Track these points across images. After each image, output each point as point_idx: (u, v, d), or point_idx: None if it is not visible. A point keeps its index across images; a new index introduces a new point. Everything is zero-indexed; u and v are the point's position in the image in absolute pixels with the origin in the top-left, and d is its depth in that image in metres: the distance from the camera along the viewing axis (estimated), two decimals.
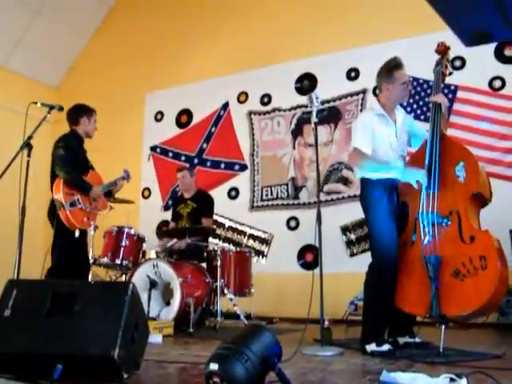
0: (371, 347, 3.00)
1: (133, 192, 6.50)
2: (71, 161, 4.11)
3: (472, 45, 0.98)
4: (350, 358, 2.96)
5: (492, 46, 5.25)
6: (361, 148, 3.19)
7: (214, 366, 1.75)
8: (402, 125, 3.38)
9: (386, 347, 2.99)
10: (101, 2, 8.18)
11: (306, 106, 3.43)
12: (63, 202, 3.97)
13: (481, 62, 5.26)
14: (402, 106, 5.50)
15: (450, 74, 3.51)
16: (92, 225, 4.19)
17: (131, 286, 2.26)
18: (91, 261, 4.50)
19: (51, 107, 3.65)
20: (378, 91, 3.44)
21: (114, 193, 4.69)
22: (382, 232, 3.17)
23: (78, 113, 4.37)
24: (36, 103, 3.50)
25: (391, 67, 3.32)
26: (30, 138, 3.41)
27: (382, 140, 3.26)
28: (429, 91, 5.43)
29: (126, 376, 2.11)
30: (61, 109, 3.75)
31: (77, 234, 4.03)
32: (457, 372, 2.08)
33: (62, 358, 2.02)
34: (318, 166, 3.41)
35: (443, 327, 2.91)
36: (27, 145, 3.38)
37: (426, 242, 3.04)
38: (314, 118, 3.40)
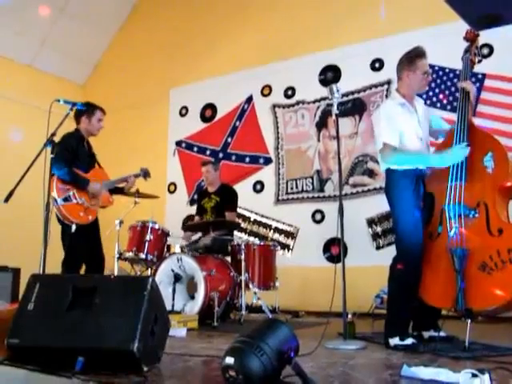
0: (394, 341, 2.96)
1: (158, 187, 6.58)
2: (66, 158, 4.13)
3: (481, 28, 0.94)
4: (373, 352, 2.91)
5: None
6: (389, 142, 3.13)
7: (229, 360, 1.75)
8: (423, 114, 3.32)
9: (409, 341, 2.94)
10: None
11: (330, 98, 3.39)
12: (56, 197, 4.04)
13: (509, 49, 5.10)
14: (428, 95, 5.49)
15: (480, 61, 3.40)
16: (90, 219, 4.24)
17: (150, 280, 2.27)
18: (116, 255, 4.57)
19: (74, 104, 3.70)
20: (397, 80, 3.35)
21: (126, 189, 4.74)
22: (408, 224, 3.10)
23: (79, 112, 4.38)
24: (59, 101, 3.55)
25: (414, 55, 3.25)
26: (53, 135, 3.46)
27: (409, 129, 3.19)
28: (455, 80, 5.30)
29: (146, 369, 2.13)
30: (83, 106, 3.81)
31: (73, 228, 4.07)
32: (481, 367, 2.03)
33: (82, 351, 2.06)
34: (339, 158, 3.37)
35: (469, 321, 2.84)
36: (50, 142, 3.44)
37: (452, 234, 2.97)
38: (334, 110, 3.35)
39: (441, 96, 5.53)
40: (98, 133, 4.54)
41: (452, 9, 0.86)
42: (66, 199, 4.08)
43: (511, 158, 3.09)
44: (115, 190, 4.70)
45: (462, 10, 0.84)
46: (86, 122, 4.42)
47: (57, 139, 3.59)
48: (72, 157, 4.24)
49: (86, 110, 4.38)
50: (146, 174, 4.81)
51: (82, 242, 4.22)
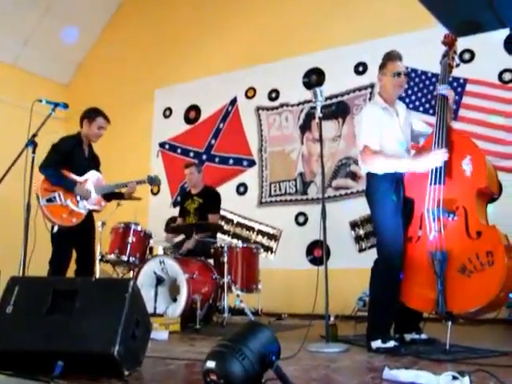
0: (376, 344, 2.97)
1: (141, 188, 6.50)
2: (52, 161, 4.10)
3: (462, 35, 0.95)
4: (355, 354, 2.93)
5: (501, 38, 5.14)
6: (370, 145, 3.16)
7: (210, 364, 1.74)
8: (405, 118, 3.35)
9: (391, 344, 2.95)
10: None
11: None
12: (40, 197, 4.01)
13: (490, 54, 5.16)
14: (410, 99, 5.55)
15: (457, 65, 3.45)
16: (74, 222, 4.19)
17: (131, 283, 2.25)
18: (98, 257, 4.53)
19: (56, 104, 3.65)
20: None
21: (126, 195, 4.70)
22: (388, 227, 3.12)
23: (83, 115, 4.40)
24: (41, 101, 3.51)
25: (385, 58, 3.33)
26: (34, 135, 3.42)
27: (389, 134, 3.22)
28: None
29: (126, 373, 2.11)
30: (66, 106, 3.77)
31: (54, 229, 4.06)
32: (462, 369, 2.05)
33: (62, 355, 2.03)
34: (322, 160, 3.38)
35: (450, 324, 2.87)
36: (32, 142, 3.40)
37: (431, 237, 3.00)
38: (318, 113, 3.36)
39: (423, 100, 5.59)
40: (97, 140, 4.49)
41: (433, 15, 0.87)
42: (50, 200, 4.05)
43: (490, 161, 3.14)
44: (114, 196, 4.67)
45: (443, 17, 0.84)
46: (86, 126, 4.40)
47: (39, 140, 3.54)
48: (63, 159, 4.21)
49: (89, 114, 4.37)
50: (153, 181, 4.78)
51: (67, 244, 4.19)
